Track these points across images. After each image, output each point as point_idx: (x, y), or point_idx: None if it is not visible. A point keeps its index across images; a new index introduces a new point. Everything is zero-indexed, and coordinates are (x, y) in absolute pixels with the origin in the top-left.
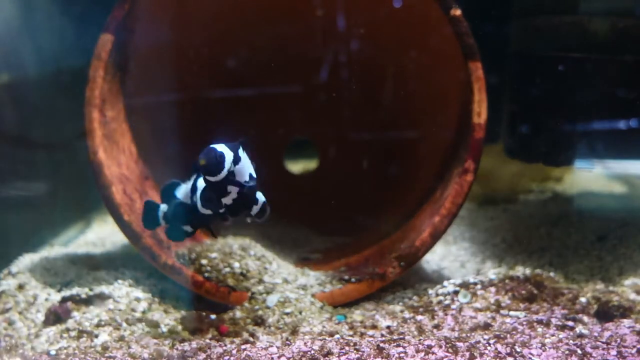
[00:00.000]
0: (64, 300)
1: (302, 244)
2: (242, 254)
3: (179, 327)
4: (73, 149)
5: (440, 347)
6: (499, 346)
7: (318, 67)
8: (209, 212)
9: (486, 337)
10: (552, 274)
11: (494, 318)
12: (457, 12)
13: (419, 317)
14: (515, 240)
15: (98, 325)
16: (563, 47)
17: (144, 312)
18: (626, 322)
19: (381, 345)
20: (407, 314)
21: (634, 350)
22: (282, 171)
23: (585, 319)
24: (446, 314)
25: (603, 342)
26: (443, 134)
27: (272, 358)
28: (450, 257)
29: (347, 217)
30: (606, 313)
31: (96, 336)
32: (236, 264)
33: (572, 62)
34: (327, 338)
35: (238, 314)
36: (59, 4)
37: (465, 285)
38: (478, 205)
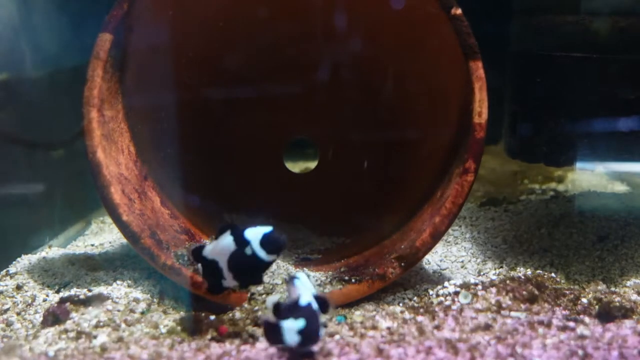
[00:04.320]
0: (63, 301)
1: (302, 244)
2: None
3: (178, 328)
4: (72, 149)
5: (441, 347)
6: (499, 347)
7: (318, 67)
8: (272, 258)
9: (487, 338)
10: (553, 274)
11: (494, 319)
12: (458, 11)
13: (419, 318)
14: (516, 241)
15: (97, 326)
16: (564, 46)
17: (142, 313)
18: (628, 322)
19: (381, 346)
20: (407, 315)
21: (635, 351)
22: (282, 171)
23: (587, 319)
24: (447, 315)
25: (604, 343)
26: (443, 133)
27: (272, 359)
28: (451, 257)
29: (347, 217)
30: (608, 314)
31: (95, 337)
32: None
33: (574, 62)
34: (327, 339)
35: (237, 314)
36: (58, 3)
37: (466, 285)
38: (479, 205)
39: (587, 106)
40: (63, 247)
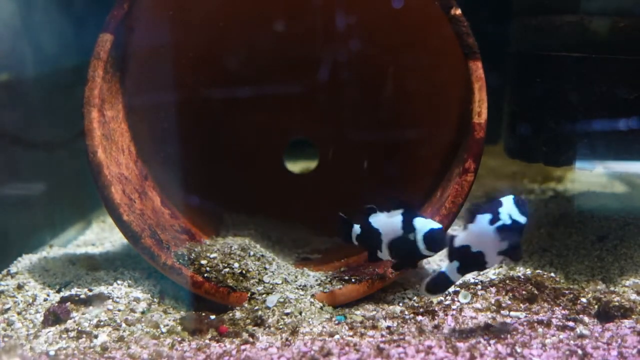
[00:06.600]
0: (63, 300)
1: (302, 244)
2: (241, 254)
3: (179, 328)
4: (72, 149)
5: (441, 347)
6: (499, 346)
7: (318, 67)
8: (429, 254)
9: (487, 337)
10: (552, 274)
11: (494, 318)
12: (458, 11)
13: (419, 318)
14: None
15: (97, 326)
16: (564, 46)
17: (143, 313)
18: (627, 322)
19: (381, 345)
20: (407, 314)
21: (634, 351)
22: (282, 171)
23: (586, 319)
24: (446, 315)
25: (604, 343)
26: (443, 133)
27: (272, 358)
28: None
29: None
30: (607, 313)
31: (95, 337)
32: (236, 265)
33: (573, 62)
34: (327, 338)
35: (238, 314)
36: (59, 3)
37: (465, 285)
38: None
39: (587, 106)
40: (64, 247)
